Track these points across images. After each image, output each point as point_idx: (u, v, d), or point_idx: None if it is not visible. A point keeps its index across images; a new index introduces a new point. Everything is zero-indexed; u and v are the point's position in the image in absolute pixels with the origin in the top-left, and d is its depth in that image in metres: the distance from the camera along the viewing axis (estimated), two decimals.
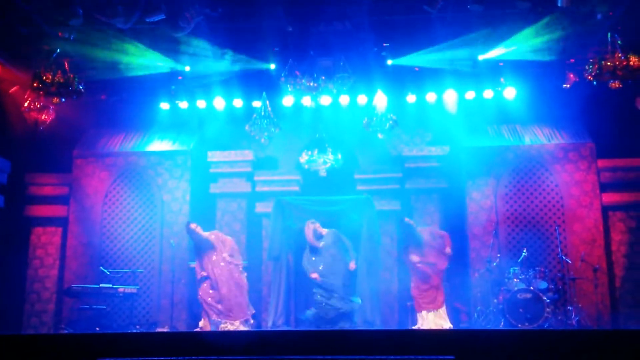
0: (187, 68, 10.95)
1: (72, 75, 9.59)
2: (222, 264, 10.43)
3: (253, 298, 11.80)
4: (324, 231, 10.73)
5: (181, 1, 8.72)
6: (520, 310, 9.92)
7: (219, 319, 10.23)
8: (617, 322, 10.72)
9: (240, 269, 10.64)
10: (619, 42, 8.92)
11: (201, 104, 11.72)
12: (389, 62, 10.63)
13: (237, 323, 10.24)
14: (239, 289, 10.43)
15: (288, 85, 10.22)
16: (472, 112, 11.74)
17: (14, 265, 11.59)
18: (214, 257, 10.46)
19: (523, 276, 10.28)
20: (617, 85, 9.02)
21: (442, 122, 11.88)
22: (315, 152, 11.23)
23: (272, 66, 10.77)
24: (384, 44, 10.22)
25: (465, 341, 7.05)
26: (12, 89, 10.75)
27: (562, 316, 10.23)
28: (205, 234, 10.59)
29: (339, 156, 11.29)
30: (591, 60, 9.07)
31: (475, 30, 9.83)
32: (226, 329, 10.02)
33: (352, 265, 10.50)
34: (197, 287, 10.57)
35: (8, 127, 10.86)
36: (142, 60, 10.61)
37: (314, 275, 10.43)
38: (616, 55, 8.84)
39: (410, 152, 12.03)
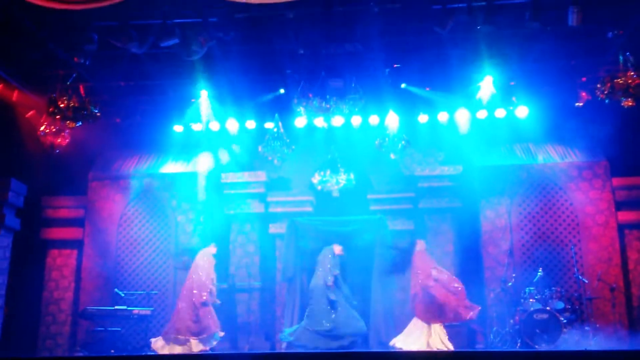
0: (204, 93, 11.05)
1: (87, 100, 9.74)
2: None
3: (267, 319, 11.80)
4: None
5: (194, 26, 8.83)
6: (537, 330, 9.80)
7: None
8: (635, 341, 10.55)
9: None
10: (630, 59, 8.90)
11: (214, 125, 11.81)
12: (402, 85, 10.67)
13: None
14: None
15: (300, 107, 10.29)
16: (485, 132, 11.71)
17: (29, 287, 11.69)
18: None
19: (539, 296, 10.18)
20: (630, 104, 8.98)
21: (454, 141, 11.85)
22: (328, 172, 11.27)
23: (284, 88, 10.84)
24: (395, 65, 10.26)
25: None
26: (29, 114, 10.90)
27: (580, 337, 10.09)
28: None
29: (352, 176, 11.31)
30: (603, 79, 9.05)
31: (485, 51, 9.85)
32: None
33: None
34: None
35: (24, 151, 11.00)
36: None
37: None
38: (628, 73, 8.82)
39: (423, 171, 11.99)
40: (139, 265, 12.10)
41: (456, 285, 10.28)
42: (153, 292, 11.67)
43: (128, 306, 11.06)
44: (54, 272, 12.11)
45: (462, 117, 11.45)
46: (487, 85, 10.50)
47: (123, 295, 11.37)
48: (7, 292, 11.01)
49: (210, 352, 10.15)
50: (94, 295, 11.76)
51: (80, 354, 10.72)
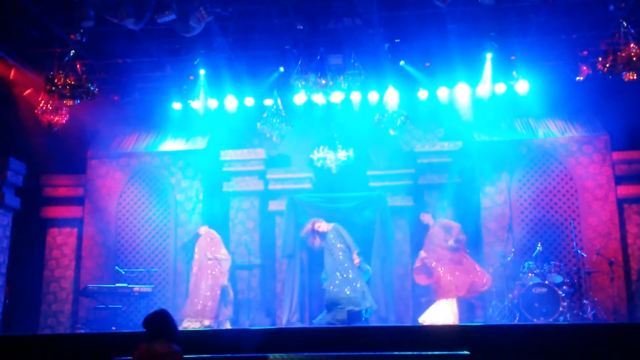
0: (202, 72, 10.96)
1: (84, 77, 9.68)
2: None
3: (267, 296, 11.87)
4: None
5: (192, 1, 8.73)
6: (536, 304, 9.87)
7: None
8: (633, 315, 10.63)
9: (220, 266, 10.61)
10: (631, 32, 8.83)
11: (213, 103, 11.75)
12: (401, 62, 10.59)
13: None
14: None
15: (299, 83, 10.22)
16: (485, 107, 11.66)
17: (30, 266, 11.72)
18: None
19: (538, 270, 10.22)
20: (632, 77, 8.92)
21: (454, 117, 11.81)
22: (327, 149, 11.24)
23: (283, 64, 10.75)
24: (395, 40, 10.18)
25: (480, 336, 7.04)
26: (26, 92, 10.84)
27: (578, 310, 10.17)
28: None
29: (351, 153, 11.28)
30: (605, 52, 8.97)
31: (486, 24, 9.76)
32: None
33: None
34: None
35: (23, 130, 10.95)
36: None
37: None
38: (630, 45, 8.75)
39: (422, 147, 11.98)
40: (139, 243, 12.13)
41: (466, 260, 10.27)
42: (153, 269, 11.73)
43: (129, 284, 11.12)
44: (54, 251, 12.14)
45: (462, 92, 11.38)
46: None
47: (124, 273, 11.41)
48: (8, 271, 11.05)
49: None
50: (95, 273, 11.81)
51: (82, 332, 10.79)
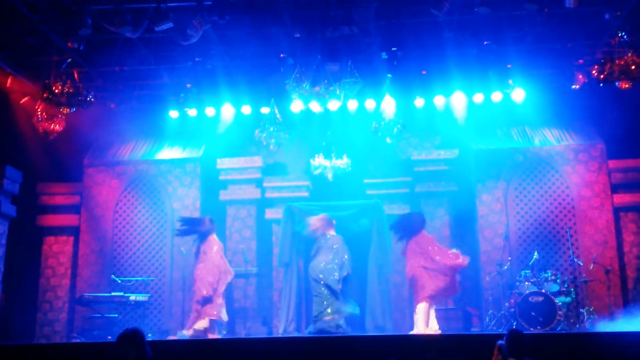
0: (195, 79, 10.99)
1: (81, 85, 9.68)
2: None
3: (264, 305, 11.83)
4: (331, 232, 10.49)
5: (189, 9, 8.75)
6: (532, 313, 9.85)
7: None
8: (630, 324, 10.61)
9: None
10: (627, 41, 8.87)
11: (210, 111, 11.76)
12: (395, 63, 10.59)
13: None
14: None
15: (295, 91, 10.24)
16: (481, 115, 11.70)
17: (26, 274, 11.68)
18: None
19: (535, 279, 10.23)
20: (627, 85, 8.96)
21: (450, 125, 11.84)
22: (324, 157, 11.25)
23: (280, 73, 10.76)
24: (392, 48, 10.20)
25: (477, 345, 7.02)
26: (23, 100, 10.83)
27: (575, 319, 10.16)
28: None
29: (348, 161, 11.29)
30: (602, 61, 9.01)
31: (482, 33, 9.80)
32: None
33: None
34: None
35: (19, 138, 10.94)
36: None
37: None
38: (628, 54, 8.78)
39: (419, 155, 12.00)
40: (135, 252, 12.09)
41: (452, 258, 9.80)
42: (150, 278, 11.70)
43: (125, 293, 11.08)
44: (50, 259, 12.09)
45: (459, 100, 11.41)
46: None
47: (120, 281, 11.38)
48: (4, 279, 10.99)
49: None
50: (91, 281, 11.77)
51: (78, 341, 10.73)
